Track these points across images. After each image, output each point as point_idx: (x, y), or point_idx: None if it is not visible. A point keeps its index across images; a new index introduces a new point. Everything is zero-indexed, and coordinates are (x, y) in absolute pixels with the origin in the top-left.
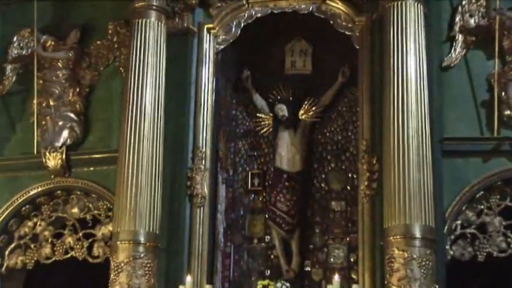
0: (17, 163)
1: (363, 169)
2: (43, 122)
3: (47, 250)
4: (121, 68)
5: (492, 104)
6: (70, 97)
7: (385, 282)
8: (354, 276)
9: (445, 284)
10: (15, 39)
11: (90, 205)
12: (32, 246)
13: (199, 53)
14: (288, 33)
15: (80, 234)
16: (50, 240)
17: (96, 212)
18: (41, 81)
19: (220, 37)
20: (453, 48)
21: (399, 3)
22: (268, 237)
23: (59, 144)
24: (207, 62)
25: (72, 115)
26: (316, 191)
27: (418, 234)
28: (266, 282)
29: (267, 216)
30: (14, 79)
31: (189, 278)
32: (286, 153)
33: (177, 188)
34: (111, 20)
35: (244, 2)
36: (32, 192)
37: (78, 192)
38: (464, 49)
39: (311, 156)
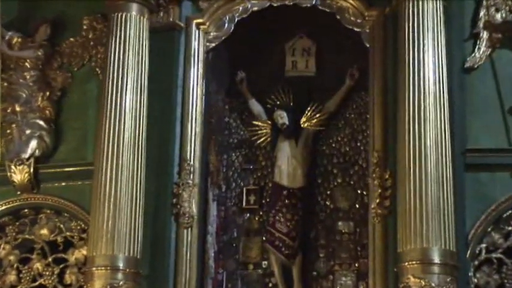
0: None
1: (373, 185)
2: (8, 131)
3: (12, 277)
4: (97, 69)
5: None
6: (39, 102)
7: None
8: None
9: None
10: None
11: (62, 226)
12: None
13: (187, 51)
14: (289, 30)
15: (50, 259)
16: (15, 265)
17: (68, 233)
18: (5, 84)
19: (211, 34)
20: (477, 47)
21: None
22: (266, 262)
23: (26, 155)
24: (196, 62)
25: (41, 123)
26: (321, 209)
27: (436, 259)
28: None
29: (264, 238)
30: None
31: None
32: (287, 166)
33: (162, 206)
34: (86, 14)
35: None
36: None
37: (48, 211)
38: (490, 48)
39: (315, 170)
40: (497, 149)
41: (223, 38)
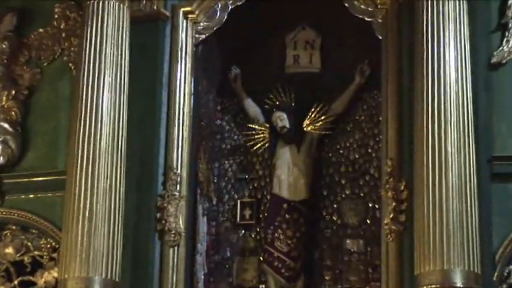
0: None
1: (387, 197)
2: None
3: None
4: (70, 64)
5: None
6: (3, 102)
7: None
8: None
9: None
10: None
11: (29, 244)
12: None
13: (174, 44)
14: (290, 20)
15: (16, 282)
16: None
17: (37, 253)
18: None
19: (201, 24)
20: (505, 39)
21: None
22: (263, 286)
23: None
24: (184, 57)
25: (6, 126)
26: (326, 226)
27: (459, 282)
28: None
29: (261, 258)
30: None
31: None
32: (287, 176)
33: (144, 221)
34: (58, 2)
35: None
36: None
37: (14, 227)
38: None
39: (319, 180)
40: None
41: (214, 28)
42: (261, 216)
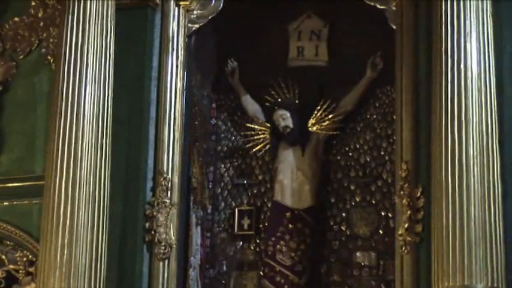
0: None
1: (401, 205)
2: None
3: None
4: (49, 57)
5: None
6: None
7: None
8: None
9: None
10: None
11: (4, 257)
12: None
13: (164, 35)
14: (294, 7)
15: None
16: None
17: (12, 266)
18: None
19: (195, 12)
20: None
21: None
22: None
23: None
24: (175, 49)
25: None
26: (334, 236)
27: None
28: None
29: (261, 273)
30: None
31: None
32: (290, 181)
33: (131, 232)
34: None
35: None
36: None
37: None
38: None
39: (326, 186)
40: None
41: (209, 17)
42: (261, 226)
